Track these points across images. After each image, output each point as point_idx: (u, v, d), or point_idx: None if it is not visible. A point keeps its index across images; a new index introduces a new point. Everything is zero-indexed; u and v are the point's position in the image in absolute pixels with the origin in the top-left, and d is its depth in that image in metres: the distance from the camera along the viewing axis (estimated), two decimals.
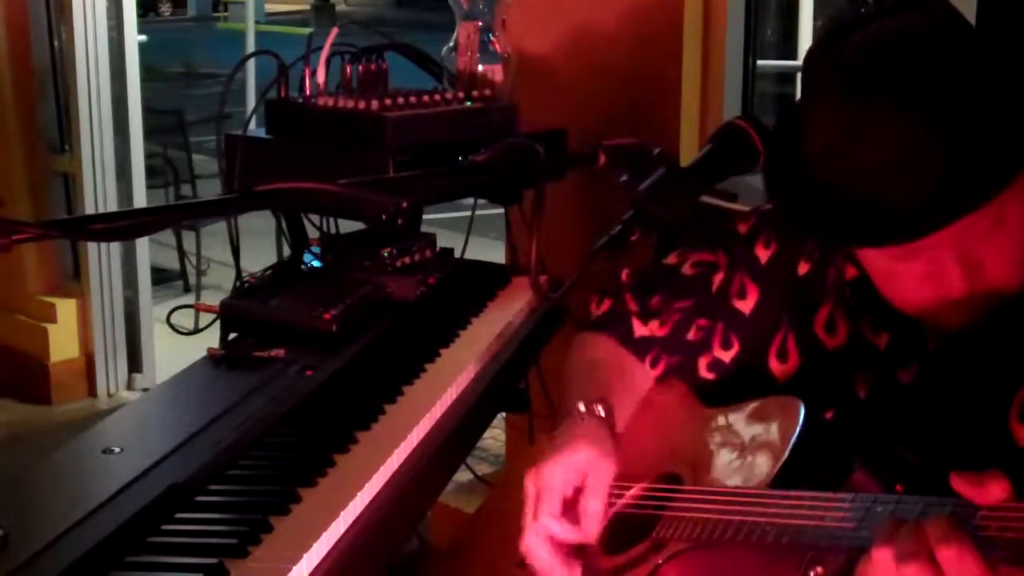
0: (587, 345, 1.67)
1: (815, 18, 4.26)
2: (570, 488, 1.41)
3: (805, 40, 4.15)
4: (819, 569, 1.17)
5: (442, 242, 2.40)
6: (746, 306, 1.53)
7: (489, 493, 2.45)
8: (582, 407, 1.49)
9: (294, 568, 1.30)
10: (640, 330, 1.63)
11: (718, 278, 1.57)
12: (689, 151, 2.73)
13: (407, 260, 2.27)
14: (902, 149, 1.16)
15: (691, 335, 1.58)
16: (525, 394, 2.55)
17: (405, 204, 1.52)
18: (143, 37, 5.21)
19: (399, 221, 1.53)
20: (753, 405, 1.40)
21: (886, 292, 1.30)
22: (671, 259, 1.64)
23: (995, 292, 1.22)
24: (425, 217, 2.46)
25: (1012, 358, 1.22)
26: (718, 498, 1.32)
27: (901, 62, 1.17)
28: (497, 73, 2.53)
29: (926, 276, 1.23)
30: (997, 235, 1.19)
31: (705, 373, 1.57)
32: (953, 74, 1.17)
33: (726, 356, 1.55)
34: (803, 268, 1.47)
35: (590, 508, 1.39)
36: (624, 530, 1.43)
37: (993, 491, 1.00)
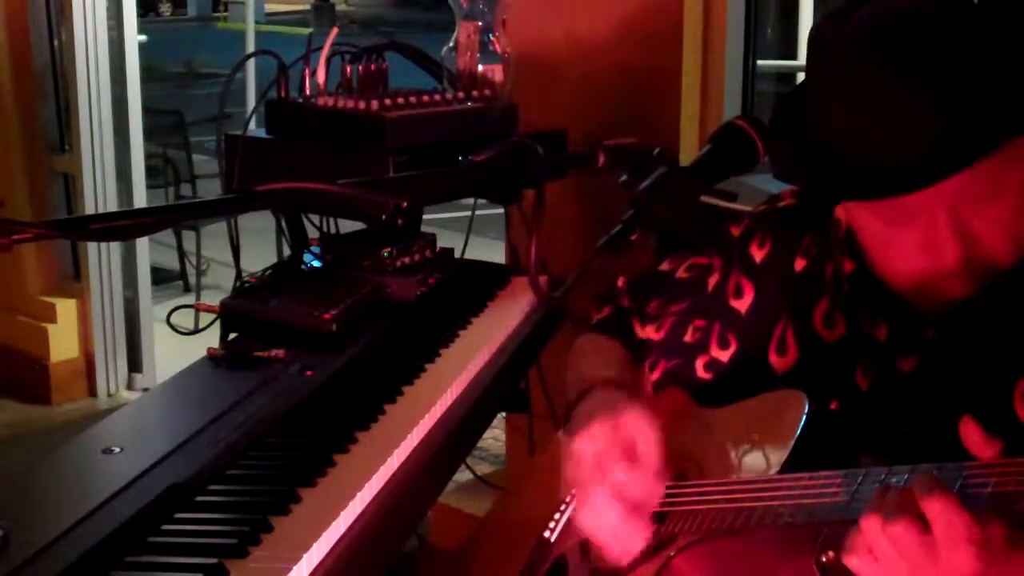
0: (593, 341, 1.68)
1: (815, 18, 4.27)
2: (620, 446, 1.39)
3: (805, 40, 4.16)
4: (831, 554, 1.18)
5: (442, 242, 2.40)
6: (743, 305, 1.54)
7: (495, 499, 2.44)
8: (603, 378, 1.50)
9: (294, 568, 1.30)
10: (640, 333, 1.64)
11: (713, 279, 1.57)
12: (689, 151, 2.73)
13: (407, 260, 2.27)
14: (901, 106, 1.19)
15: (688, 337, 1.59)
16: (525, 394, 2.55)
17: (405, 204, 1.52)
18: (143, 37, 5.21)
19: (399, 221, 1.54)
20: (756, 400, 1.40)
21: (883, 265, 1.32)
22: (664, 266, 1.66)
23: (988, 264, 1.25)
24: (425, 217, 2.46)
25: (1013, 340, 1.25)
26: (726, 487, 1.32)
27: (905, 27, 1.21)
28: (497, 73, 2.53)
29: (921, 245, 1.25)
30: (992, 204, 1.22)
31: (703, 374, 1.57)
32: (954, 38, 1.20)
33: (723, 356, 1.55)
34: (799, 264, 1.48)
35: (648, 463, 1.39)
36: None
37: (994, 447, 1.05)
